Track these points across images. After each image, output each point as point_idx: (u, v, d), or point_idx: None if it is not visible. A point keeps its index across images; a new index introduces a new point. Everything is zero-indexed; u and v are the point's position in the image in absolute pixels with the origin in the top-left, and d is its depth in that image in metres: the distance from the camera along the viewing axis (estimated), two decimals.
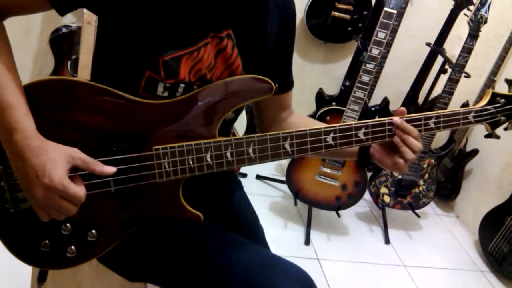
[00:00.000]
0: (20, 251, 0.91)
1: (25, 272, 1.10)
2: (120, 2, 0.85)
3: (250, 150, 0.93)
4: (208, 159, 0.92)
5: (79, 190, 0.82)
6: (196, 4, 0.88)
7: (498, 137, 1.06)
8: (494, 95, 1.03)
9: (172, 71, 0.89)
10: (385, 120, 0.97)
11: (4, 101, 0.81)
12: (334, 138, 0.96)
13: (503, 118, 1.04)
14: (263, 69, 0.95)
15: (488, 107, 1.02)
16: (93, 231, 0.91)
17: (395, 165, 0.99)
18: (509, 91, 1.04)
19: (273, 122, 1.12)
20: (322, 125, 0.97)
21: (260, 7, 0.97)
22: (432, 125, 1.00)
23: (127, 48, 0.90)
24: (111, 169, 0.87)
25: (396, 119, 0.97)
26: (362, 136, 0.97)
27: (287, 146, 0.94)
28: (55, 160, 0.80)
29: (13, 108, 0.81)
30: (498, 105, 1.03)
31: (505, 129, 1.05)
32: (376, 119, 0.98)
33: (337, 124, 0.96)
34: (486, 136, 1.07)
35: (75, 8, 0.89)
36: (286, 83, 1.09)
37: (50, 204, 0.82)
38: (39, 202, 0.83)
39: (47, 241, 0.90)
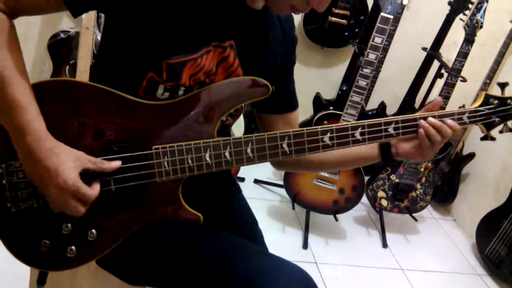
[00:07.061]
0: (20, 251, 0.91)
1: (23, 275, 1.09)
2: (132, 6, 0.87)
3: (249, 150, 0.94)
4: (207, 159, 0.92)
5: (91, 191, 0.84)
6: (203, 12, 0.90)
7: (493, 138, 1.07)
8: (487, 97, 1.04)
9: (175, 75, 0.90)
10: (381, 120, 0.98)
11: (16, 102, 0.81)
12: (331, 138, 0.97)
13: (497, 119, 1.05)
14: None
15: (481, 108, 1.04)
16: (93, 231, 0.91)
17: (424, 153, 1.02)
18: (502, 94, 1.05)
19: None
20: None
21: (262, 24, 0.99)
22: None
23: (132, 49, 0.91)
24: (117, 163, 0.89)
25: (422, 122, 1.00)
26: (358, 136, 0.98)
27: (285, 145, 0.95)
28: (67, 163, 0.82)
29: (24, 109, 0.81)
30: (492, 106, 1.04)
31: (501, 131, 1.06)
32: (372, 119, 0.98)
33: (334, 125, 0.97)
34: (482, 138, 1.08)
35: (87, 10, 0.91)
36: (290, 103, 1.11)
37: (61, 203, 0.83)
38: (52, 200, 0.84)
39: (47, 241, 0.90)
